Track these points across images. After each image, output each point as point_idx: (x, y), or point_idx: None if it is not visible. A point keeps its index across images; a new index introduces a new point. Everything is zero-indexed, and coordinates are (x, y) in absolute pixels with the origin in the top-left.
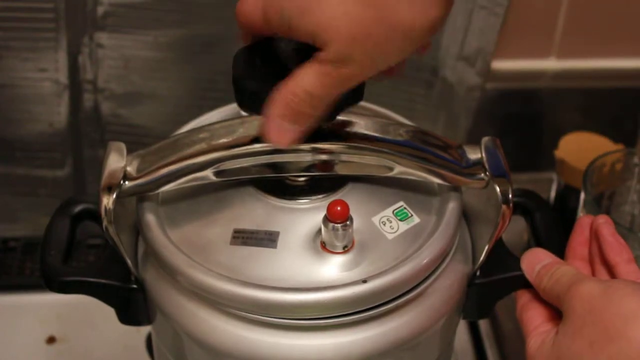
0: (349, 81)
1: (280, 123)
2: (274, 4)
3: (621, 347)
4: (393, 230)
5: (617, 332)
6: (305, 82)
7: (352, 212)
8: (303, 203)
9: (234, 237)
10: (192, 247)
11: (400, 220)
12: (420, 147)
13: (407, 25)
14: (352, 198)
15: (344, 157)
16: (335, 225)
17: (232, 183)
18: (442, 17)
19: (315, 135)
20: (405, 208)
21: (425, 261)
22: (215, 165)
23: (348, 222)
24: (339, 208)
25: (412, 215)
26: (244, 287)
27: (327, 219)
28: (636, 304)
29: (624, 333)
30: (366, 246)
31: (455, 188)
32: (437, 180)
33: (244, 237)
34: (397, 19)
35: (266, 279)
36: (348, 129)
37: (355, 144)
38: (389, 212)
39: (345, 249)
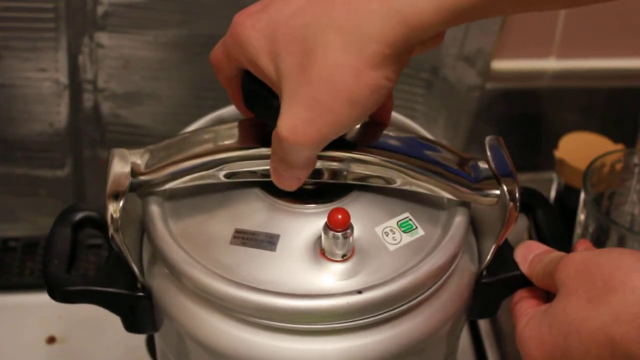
0: (303, 150)
1: (279, 171)
2: (232, 48)
3: (624, 296)
4: (395, 242)
5: (620, 283)
6: (275, 148)
7: (355, 221)
8: (308, 208)
9: (234, 237)
10: (192, 243)
11: (404, 231)
12: (429, 158)
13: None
14: (357, 206)
15: (352, 166)
16: (335, 233)
17: (239, 183)
18: (382, 84)
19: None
20: (410, 219)
21: (423, 275)
22: (222, 166)
23: (348, 231)
24: (339, 216)
25: (416, 228)
26: (237, 288)
27: (327, 227)
28: (635, 260)
29: (626, 283)
30: (366, 256)
31: (464, 202)
32: (444, 195)
33: (244, 238)
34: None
35: (261, 282)
36: (359, 137)
37: (363, 155)
38: (393, 222)
39: (344, 258)
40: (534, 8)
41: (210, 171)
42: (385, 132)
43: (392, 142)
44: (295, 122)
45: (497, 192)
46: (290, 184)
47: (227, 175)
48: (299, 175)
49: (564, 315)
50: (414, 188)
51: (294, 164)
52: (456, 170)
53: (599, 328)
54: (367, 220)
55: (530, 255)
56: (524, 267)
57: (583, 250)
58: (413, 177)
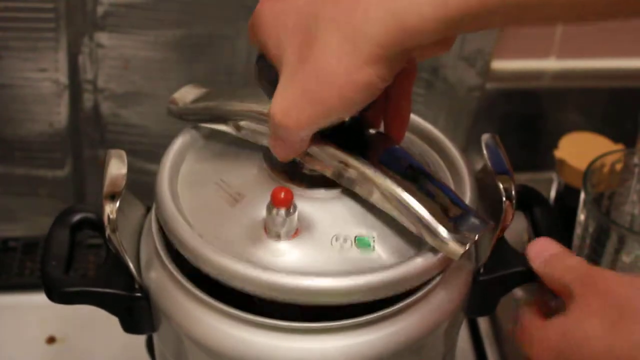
0: (292, 132)
1: (273, 143)
2: (252, 26)
3: None
4: (343, 249)
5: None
6: (270, 123)
7: (318, 215)
8: (293, 187)
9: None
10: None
11: (358, 246)
12: (416, 186)
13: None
14: (332, 203)
15: (335, 163)
16: (278, 209)
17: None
18: (373, 82)
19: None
20: (371, 238)
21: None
22: (236, 118)
23: (283, 211)
24: (282, 194)
25: (373, 249)
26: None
27: (270, 204)
28: None
29: None
30: (307, 245)
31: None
32: (408, 225)
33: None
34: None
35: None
36: (357, 142)
37: (350, 157)
38: (351, 233)
39: (279, 237)
40: (527, 23)
41: (228, 121)
42: (392, 147)
43: (389, 157)
44: (288, 105)
45: (461, 250)
46: (282, 157)
47: (237, 128)
48: (290, 151)
49: (581, 332)
50: (386, 209)
51: (285, 142)
52: (437, 211)
53: (614, 351)
54: (329, 219)
55: (546, 254)
56: (535, 264)
57: (603, 269)
58: (385, 197)
